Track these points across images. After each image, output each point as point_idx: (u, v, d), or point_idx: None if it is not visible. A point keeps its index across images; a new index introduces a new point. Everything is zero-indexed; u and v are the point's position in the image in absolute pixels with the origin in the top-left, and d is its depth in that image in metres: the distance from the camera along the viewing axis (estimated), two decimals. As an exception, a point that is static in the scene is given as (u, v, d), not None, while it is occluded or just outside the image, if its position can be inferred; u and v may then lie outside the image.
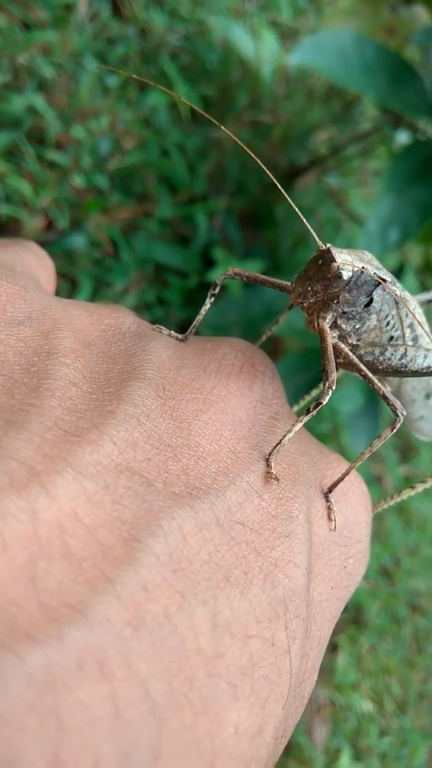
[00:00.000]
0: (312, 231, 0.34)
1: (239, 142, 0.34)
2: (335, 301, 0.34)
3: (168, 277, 1.30)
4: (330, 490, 0.29)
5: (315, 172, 1.53)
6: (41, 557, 0.17)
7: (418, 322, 0.38)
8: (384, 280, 0.34)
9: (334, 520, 0.28)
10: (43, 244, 1.16)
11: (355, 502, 0.30)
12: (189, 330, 0.33)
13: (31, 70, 1.17)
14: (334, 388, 0.30)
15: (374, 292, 0.34)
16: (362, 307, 0.35)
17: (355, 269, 0.33)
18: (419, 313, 0.39)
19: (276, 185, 0.35)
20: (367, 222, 1.05)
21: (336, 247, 0.33)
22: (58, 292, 1.27)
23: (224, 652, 0.19)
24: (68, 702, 0.15)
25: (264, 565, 0.22)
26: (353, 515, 0.30)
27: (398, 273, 1.28)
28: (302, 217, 0.34)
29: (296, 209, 0.34)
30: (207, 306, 0.35)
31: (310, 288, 0.33)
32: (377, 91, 1.07)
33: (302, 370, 1.24)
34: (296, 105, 1.57)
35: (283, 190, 0.34)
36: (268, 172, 0.33)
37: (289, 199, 0.33)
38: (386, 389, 0.34)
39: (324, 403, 0.29)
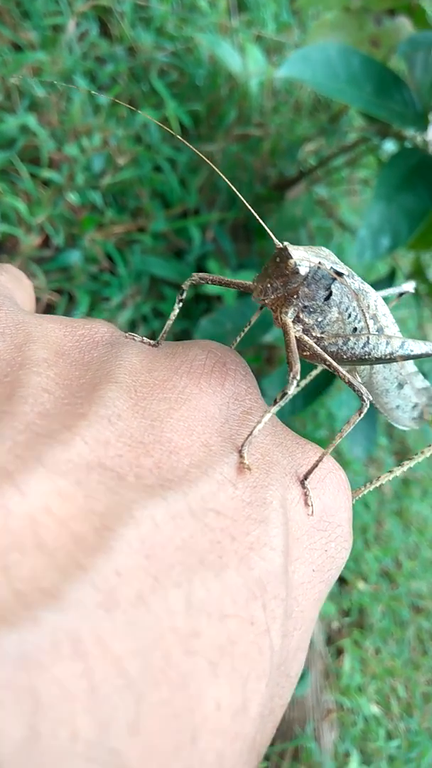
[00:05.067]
0: (269, 231, 0.35)
1: (207, 161, 0.36)
2: (295, 296, 0.35)
3: (164, 289, 1.31)
4: (306, 477, 0.30)
5: (304, 182, 1.55)
6: (13, 548, 0.18)
7: (382, 312, 0.39)
8: (340, 274, 0.36)
9: (311, 505, 0.30)
10: (40, 261, 1.18)
11: (333, 488, 0.31)
12: (160, 335, 0.35)
13: (22, 90, 1.19)
14: (298, 378, 0.32)
15: (332, 286, 0.36)
16: (322, 300, 0.36)
17: (312, 264, 0.35)
18: (381, 304, 0.40)
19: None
20: (360, 230, 1.07)
21: (293, 245, 0.35)
22: (55, 308, 1.28)
23: (201, 631, 0.20)
24: (44, 679, 0.16)
25: (239, 549, 0.24)
26: (332, 501, 0.31)
27: (390, 279, 1.30)
28: (258, 217, 0.36)
29: (254, 213, 0.36)
30: (176, 311, 0.36)
31: (270, 285, 0.35)
32: (364, 102, 1.09)
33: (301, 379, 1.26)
34: (284, 118, 1.60)
35: (244, 200, 0.36)
36: (234, 189, 0.35)
37: (248, 205, 0.35)
38: (351, 377, 0.35)
39: (289, 393, 0.31)
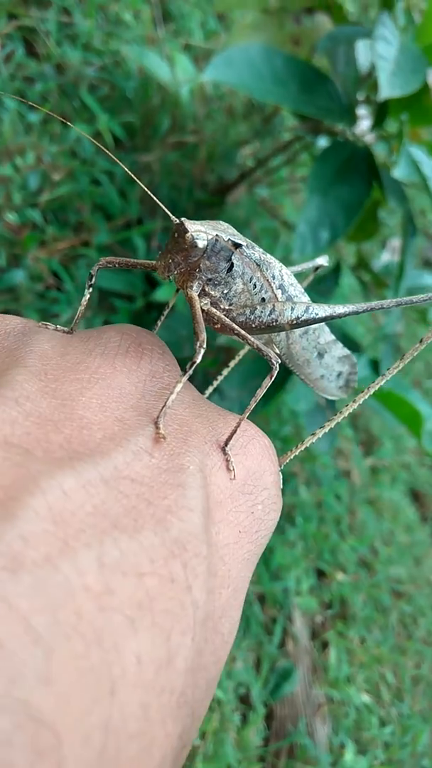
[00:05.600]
0: (166, 209, 0.37)
1: (133, 176, 0.37)
2: (198, 270, 0.37)
3: (114, 301, 1.31)
4: (226, 443, 0.31)
5: (245, 185, 1.57)
6: None
7: (289, 282, 0.41)
8: (239, 245, 0.38)
9: (233, 470, 0.31)
10: (-16, 284, 1.17)
11: (256, 453, 0.33)
12: (74, 322, 0.36)
13: None
14: (204, 347, 0.33)
15: (233, 257, 0.38)
16: (225, 272, 0.38)
17: (210, 237, 0.36)
18: (287, 274, 0.42)
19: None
20: (298, 225, 1.09)
21: (190, 220, 0.36)
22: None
23: (115, 589, 0.21)
24: None
25: (156, 512, 0.25)
26: (256, 465, 0.32)
27: (335, 271, 1.32)
28: (150, 192, 0.37)
29: (151, 194, 0.38)
30: (86, 297, 0.37)
31: (171, 261, 0.36)
32: (291, 100, 1.11)
33: (255, 373, 1.27)
34: (218, 123, 1.62)
35: (143, 185, 0.37)
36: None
37: (145, 188, 0.36)
38: (260, 344, 0.37)
39: (197, 361, 0.32)
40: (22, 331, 0.32)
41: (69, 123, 0.36)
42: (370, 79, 1.25)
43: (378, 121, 1.20)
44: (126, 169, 0.38)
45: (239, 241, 0.38)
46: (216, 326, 0.38)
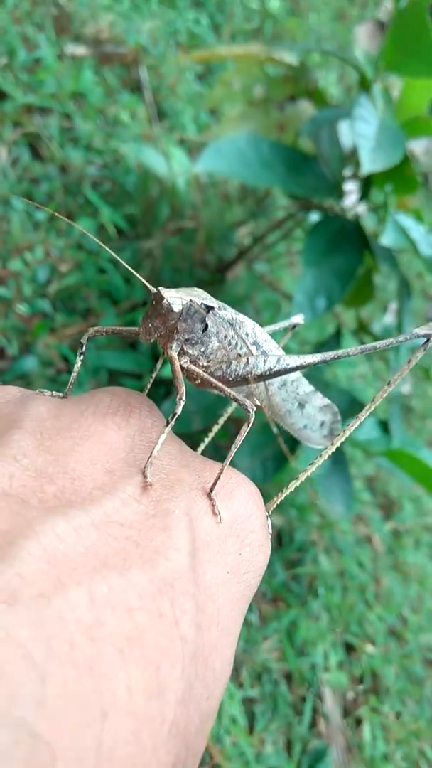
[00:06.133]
0: (143, 280, 0.41)
1: (126, 265, 0.41)
2: (175, 332, 0.41)
3: (123, 381, 1.35)
4: (211, 489, 0.34)
5: (243, 262, 1.64)
6: None
7: (262, 339, 0.44)
8: (211, 308, 0.41)
9: (219, 514, 0.33)
10: (-2, 372, 1.22)
11: (242, 498, 0.35)
12: (68, 387, 0.40)
13: (-36, 218, 1.27)
14: (184, 399, 0.37)
15: (207, 319, 0.41)
16: (201, 332, 0.41)
17: (184, 302, 0.40)
18: (260, 331, 0.45)
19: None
20: (295, 295, 1.14)
21: (165, 288, 0.40)
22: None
23: (105, 621, 0.23)
24: None
25: (144, 552, 0.27)
26: (242, 509, 0.34)
27: (337, 336, 1.36)
28: (129, 267, 0.41)
29: (129, 268, 0.42)
30: (78, 364, 0.41)
31: (151, 325, 0.40)
32: (280, 182, 1.18)
33: (265, 443, 1.29)
34: (214, 208, 1.71)
35: (121, 260, 0.41)
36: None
37: (123, 262, 0.40)
38: (236, 394, 0.40)
39: (178, 413, 0.35)
40: (21, 399, 0.35)
41: (72, 222, 0.41)
42: (354, 156, 1.32)
43: (365, 194, 1.26)
44: (114, 255, 0.42)
45: (211, 304, 0.42)
46: (196, 382, 0.42)
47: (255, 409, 0.38)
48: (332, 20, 2.81)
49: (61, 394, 0.39)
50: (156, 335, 0.40)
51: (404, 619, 1.82)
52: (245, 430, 0.37)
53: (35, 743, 0.19)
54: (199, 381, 0.42)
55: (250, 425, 0.37)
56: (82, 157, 1.51)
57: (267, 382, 0.47)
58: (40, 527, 0.25)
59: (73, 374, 0.41)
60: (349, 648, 1.61)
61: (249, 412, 0.38)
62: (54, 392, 0.39)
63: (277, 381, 0.47)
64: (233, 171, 1.15)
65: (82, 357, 0.41)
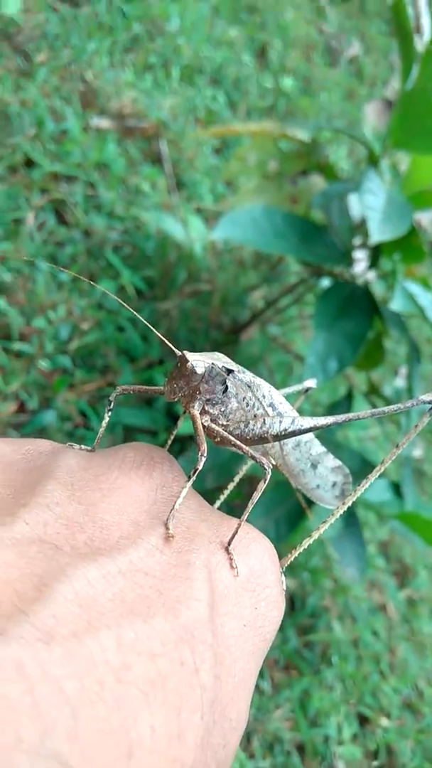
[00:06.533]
0: (168, 343, 0.43)
1: (152, 327, 0.44)
2: (198, 392, 0.43)
3: (138, 436, 1.37)
4: (229, 543, 0.35)
5: (257, 324, 1.69)
6: None
7: (278, 401, 0.47)
8: (231, 371, 0.44)
9: (236, 567, 0.34)
10: (17, 426, 1.24)
11: (258, 553, 0.36)
12: (96, 441, 0.42)
13: (-9, 278, 1.33)
14: (205, 455, 0.39)
15: (227, 381, 0.44)
16: (221, 393, 0.44)
17: (206, 365, 0.43)
18: (276, 393, 0.48)
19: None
20: (307, 358, 1.17)
21: (190, 352, 0.43)
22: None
23: (131, 665, 0.25)
24: None
25: (166, 601, 0.28)
26: (258, 564, 0.36)
27: (348, 399, 1.38)
28: (154, 329, 0.44)
29: (151, 327, 0.44)
30: (106, 419, 0.43)
31: (175, 385, 0.43)
32: (292, 250, 1.23)
33: (278, 502, 1.29)
34: (229, 273, 1.77)
35: (141, 318, 0.45)
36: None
37: (146, 321, 0.44)
38: (253, 452, 0.42)
39: (200, 468, 0.37)
40: (52, 451, 0.37)
41: (94, 283, 0.45)
42: (363, 226, 1.38)
43: (374, 262, 1.31)
44: (134, 312, 0.45)
45: (231, 367, 0.45)
46: (216, 440, 0.44)
47: (272, 467, 0.41)
48: (342, 99, 2.97)
49: (89, 448, 0.42)
50: (180, 395, 0.43)
51: (420, 692, 1.75)
52: (262, 486, 0.39)
53: None
54: (219, 439, 0.44)
55: (267, 482, 0.39)
56: (105, 223, 1.58)
57: (282, 442, 0.49)
58: (73, 572, 0.26)
59: (101, 429, 0.43)
60: (364, 720, 1.56)
61: (266, 469, 0.40)
62: (82, 446, 0.42)
63: (291, 441, 0.50)
64: (248, 239, 1.21)
65: (110, 413, 0.44)
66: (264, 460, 0.41)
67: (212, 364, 0.43)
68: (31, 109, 1.63)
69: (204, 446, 0.40)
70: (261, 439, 0.46)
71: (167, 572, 0.30)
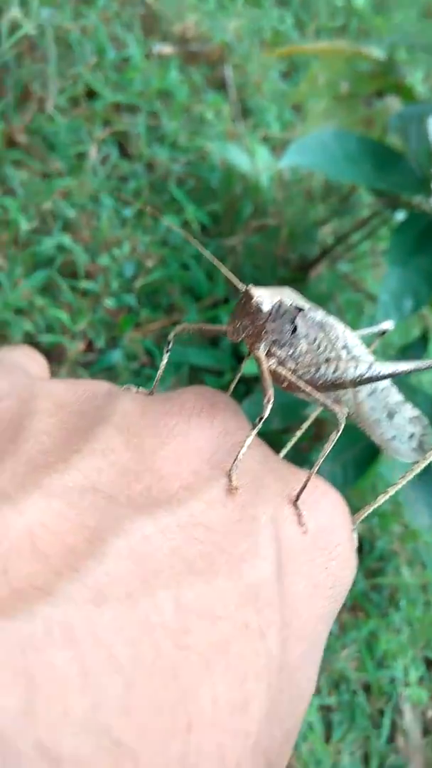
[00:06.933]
0: (232, 276, 0.39)
1: (218, 262, 0.39)
2: (264, 332, 0.38)
3: (204, 377, 1.35)
4: (297, 498, 0.32)
5: (326, 261, 1.61)
6: (11, 554, 0.21)
7: (353, 343, 0.42)
8: (301, 309, 0.39)
9: (305, 524, 0.31)
10: (86, 365, 1.24)
11: (328, 509, 0.33)
12: (154, 383, 0.39)
13: (55, 213, 1.30)
14: (272, 401, 0.34)
15: (296, 320, 0.39)
16: (289, 334, 0.39)
17: (274, 302, 0.38)
18: (351, 335, 0.42)
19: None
20: (380, 295, 1.10)
21: (256, 286, 0.38)
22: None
23: (191, 629, 0.22)
24: (38, 662, 0.18)
25: (229, 559, 0.25)
26: (327, 521, 0.32)
27: (423, 340, 1.31)
28: (219, 264, 0.39)
29: (214, 261, 0.39)
30: (164, 361, 0.40)
31: (239, 324, 0.38)
32: (366, 178, 1.15)
33: (347, 446, 1.25)
34: (298, 206, 1.69)
35: (204, 251, 0.39)
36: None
37: (210, 255, 0.38)
38: (326, 399, 0.37)
39: (265, 416, 0.33)
40: (109, 392, 0.34)
41: (159, 216, 0.40)
42: (446, 152, 1.27)
43: (458, 190, 1.21)
44: (199, 246, 0.40)
45: (302, 305, 0.39)
46: (283, 385, 0.40)
47: (345, 415, 0.36)
48: (419, 18, 2.74)
49: (147, 391, 0.38)
50: (244, 335, 0.38)
51: None
52: (334, 437, 0.35)
53: (121, 752, 0.18)
54: (286, 384, 0.39)
55: (339, 432, 0.35)
56: (168, 155, 1.52)
57: (356, 389, 0.44)
58: (129, 525, 0.24)
59: (159, 371, 0.40)
60: (430, 664, 1.55)
61: (340, 419, 0.36)
62: (141, 388, 0.38)
63: (366, 388, 0.44)
64: (317, 166, 1.13)
65: (168, 354, 0.40)
66: (338, 409, 0.36)
67: (280, 300, 0.38)
68: (91, 37, 1.56)
69: (270, 392, 0.36)
70: (333, 386, 0.41)
71: (230, 527, 0.27)
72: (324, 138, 1.17)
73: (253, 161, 1.56)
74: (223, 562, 0.25)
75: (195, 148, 1.58)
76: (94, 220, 1.33)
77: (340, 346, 0.41)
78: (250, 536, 0.27)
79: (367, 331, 0.50)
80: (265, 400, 0.35)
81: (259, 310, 0.37)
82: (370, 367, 0.41)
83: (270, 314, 0.38)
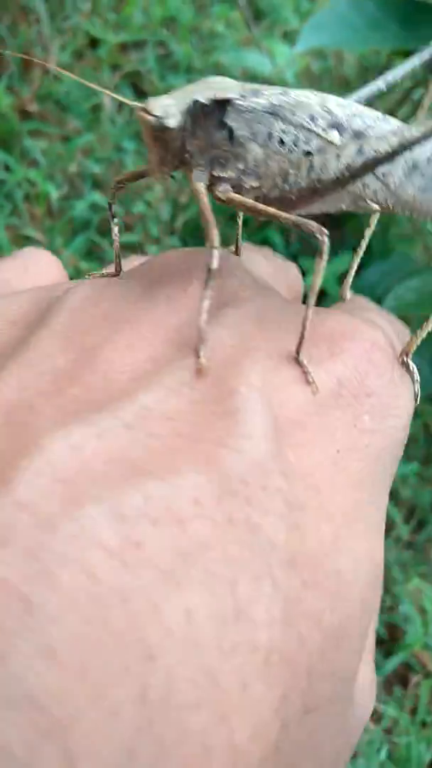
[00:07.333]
0: (118, 97, 0.29)
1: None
2: (188, 155, 0.29)
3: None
4: (297, 351, 0.26)
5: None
6: None
7: (351, 113, 0.31)
8: (227, 101, 0.28)
9: (313, 382, 0.25)
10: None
11: (352, 353, 0.26)
12: (114, 262, 0.32)
13: (82, 173, 1.29)
14: (215, 246, 0.26)
15: (227, 119, 0.29)
16: (226, 142, 0.29)
17: (182, 108, 0.28)
18: (344, 104, 0.31)
19: None
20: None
21: (155, 97, 0.28)
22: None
23: (142, 541, 0.19)
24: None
25: (201, 447, 0.21)
26: (351, 370, 0.26)
27: None
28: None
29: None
30: (115, 230, 0.33)
31: (156, 156, 0.29)
32: (392, 40, 1.03)
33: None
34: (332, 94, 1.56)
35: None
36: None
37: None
38: (296, 217, 0.28)
39: (214, 266, 0.25)
40: (63, 293, 0.29)
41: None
42: None
43: None
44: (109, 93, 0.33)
45: (229, 95, 0.29)
46: (256, 216, 0.30)
47: (327, 233, 0.27)
48: None
49: (112, 273, 0.32)
50: (170, 167, 0.29)
51: None
52: (321, 265, 0.26)
53: (39, 707, 0.15)
54: (254, 212, 0.29)
55: (325, 256, 0.26)
56: (184, 81, 1.45)
57: (381, 173, 0.31)
58: (48, 439, 0.20)
59: (115, 244, 0.32)
60: None
61: (320, 238, 0.26)
62: (105, 271, 0.32)
63: (400, 167, 0.31)
64: (338, 41, 1.03)
65: (115, 219, 0.33)
66: (314, 226, 0.27)
67: (192, 101, 0.28)
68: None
69: (213, 232, 0.26)
70: (335, 184, 0.30)
71: (200, 411, 0.23)
72: (339, 10, 1.06)
73: (274, 62, 1.46)
74: (190, 453, 0.21)
75: (211, 65, 1.49)
76: (122, 170, 1.31)
77: (324, 125, 0.30)
78: (228, 415, 0.23)
79: (362, 92, 0.35)
80: (209, 245, 0.26)
81: (164, 127, 0.27)
82: (396, 133, 0.29)
83: (183, 127, 0.28)
